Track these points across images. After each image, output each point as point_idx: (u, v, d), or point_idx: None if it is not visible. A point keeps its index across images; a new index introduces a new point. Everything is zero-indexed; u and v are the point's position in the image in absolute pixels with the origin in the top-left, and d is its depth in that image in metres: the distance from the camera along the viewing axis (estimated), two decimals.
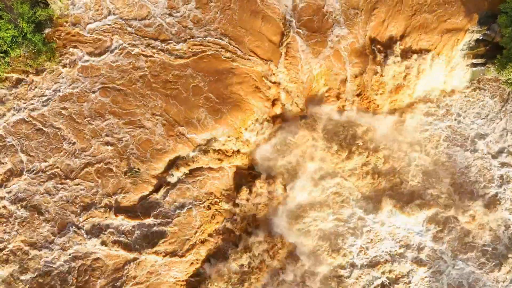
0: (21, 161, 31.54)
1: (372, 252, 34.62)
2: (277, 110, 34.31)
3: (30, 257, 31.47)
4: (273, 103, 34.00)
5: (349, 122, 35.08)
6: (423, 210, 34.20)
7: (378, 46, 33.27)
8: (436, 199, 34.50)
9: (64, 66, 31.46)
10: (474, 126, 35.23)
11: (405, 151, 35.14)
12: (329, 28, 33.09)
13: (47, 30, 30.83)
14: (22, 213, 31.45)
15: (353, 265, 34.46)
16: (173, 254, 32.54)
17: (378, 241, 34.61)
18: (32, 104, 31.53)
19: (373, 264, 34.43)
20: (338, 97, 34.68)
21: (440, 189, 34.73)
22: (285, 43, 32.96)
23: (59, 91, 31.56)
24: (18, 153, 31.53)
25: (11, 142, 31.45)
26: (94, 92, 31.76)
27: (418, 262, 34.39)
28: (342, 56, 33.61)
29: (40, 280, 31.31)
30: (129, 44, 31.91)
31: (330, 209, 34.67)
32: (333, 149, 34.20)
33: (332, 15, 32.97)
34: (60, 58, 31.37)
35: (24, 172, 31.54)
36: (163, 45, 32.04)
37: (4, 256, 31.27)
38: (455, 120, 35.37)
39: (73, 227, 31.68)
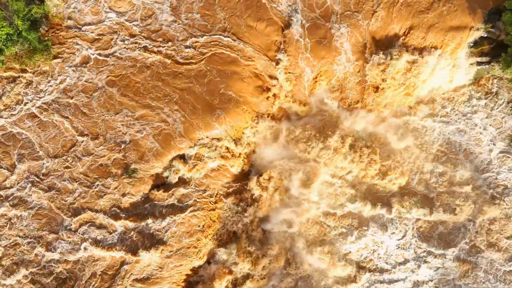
0: (32, 157, 31.55)
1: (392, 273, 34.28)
2: (279, 109, 34.04)
3: (42, 257, 31.72)
4: (275, 101, 33.66)
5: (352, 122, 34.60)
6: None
7: (382, 48, 32.83)
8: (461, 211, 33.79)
9: (63, 60, 31.15)
10: (487, 127, 34.33)
11: (419, 159, 34.53)
12: (336, 56, 32.84)
13: (42, 28, 30.46)
14: (30, 212, 31.61)
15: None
16: (173, 253, 32.36)
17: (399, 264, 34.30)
18: (38, 97, 31.35)
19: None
20: (340, 96, 34.23)
21: (464, 200, 33.89)
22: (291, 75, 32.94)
23: (66, 83, 31.41)
24: (28, 147, 31.52)
25: (21, 134, 31.38)
26: (101, 84, 31.60)
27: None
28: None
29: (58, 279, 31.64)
30: (133, 44, 31.59)
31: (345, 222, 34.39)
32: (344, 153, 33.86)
33: (339, 41, 32.42)
34: (60, 52, 31.11)
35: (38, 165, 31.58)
36: (169, 45, 31.76)
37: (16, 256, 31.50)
38: (465, 122, 34.54)
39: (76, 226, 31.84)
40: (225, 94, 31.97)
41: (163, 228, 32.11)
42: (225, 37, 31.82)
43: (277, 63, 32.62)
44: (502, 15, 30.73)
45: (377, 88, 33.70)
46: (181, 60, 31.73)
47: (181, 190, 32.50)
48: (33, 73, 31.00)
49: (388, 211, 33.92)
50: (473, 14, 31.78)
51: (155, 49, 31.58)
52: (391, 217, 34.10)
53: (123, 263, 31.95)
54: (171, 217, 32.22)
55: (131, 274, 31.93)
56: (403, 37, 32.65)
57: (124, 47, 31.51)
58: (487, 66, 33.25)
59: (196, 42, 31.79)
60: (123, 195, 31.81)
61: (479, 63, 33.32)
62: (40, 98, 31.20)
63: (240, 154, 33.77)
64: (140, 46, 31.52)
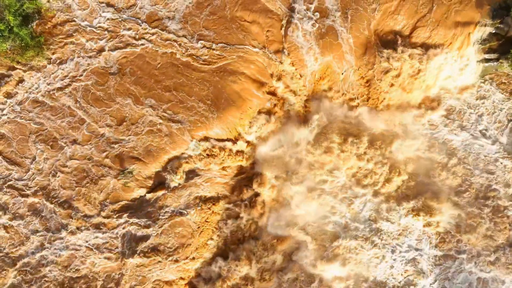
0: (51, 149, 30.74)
1: None
2: (280, 106, 33.19)
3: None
4: (276, 99, 32.87)
5: (356, 122, 33.56)
6: None
7: (386, 46, 31.99)
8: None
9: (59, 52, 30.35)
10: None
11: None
12: (339, 54, 32.23)
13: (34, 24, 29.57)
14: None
15: None
16: (170, 256, 31.66)
17: None
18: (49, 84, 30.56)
19: None
20: (343, 93, 33.35)
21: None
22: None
23: (72, 73, 30.66)
24: (45, 137, 30.60)
25: (34, 124, 30.52)
26: (113, 73, 30.80)
27: None
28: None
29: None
30: (141, 37, 30.76)
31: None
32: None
33: (342, 38, 31.58)
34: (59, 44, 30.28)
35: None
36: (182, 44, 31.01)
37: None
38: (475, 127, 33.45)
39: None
40: (227, 92, 31.17)
41: (158, 229, 31.39)
42: (233, 44, 31.09)
43: (281, 62, 31.77)
44: (511, 11, 30.02)
45: (382, 87, 32.85)
46: (192, 60, 31.09)
47: (178, 190, 31.75)
48: (27, 67, 30.11)
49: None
50: (481, 9, 31.03)
51: (165, 46, 30.90)
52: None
53: (116, 268, 31.14)
54: (167, 219, 31.50)
55: (127, 280, 31.18)
56: (408, 34, 31.84)
57: (130, 41, 30.74)
58: (495, 63, 32.40)
59: (209, 47, 31.21)
60: (119, 195, 31.09)
61: (487, 60, 32.50)
62: (48, 87, 30.48)
63: (240, 152, 32.98)
64: (148, 39, 30.89)
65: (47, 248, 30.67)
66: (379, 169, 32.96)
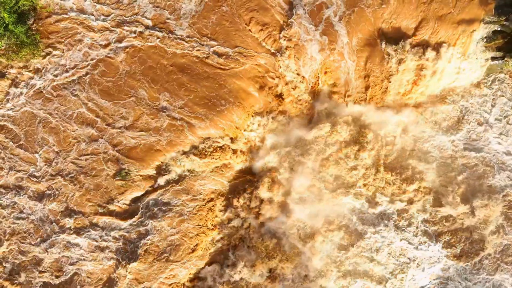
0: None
1: None
2: (282, 105, 32.76)
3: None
4: (278, 98, 32.50)
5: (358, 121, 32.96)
6: None
7: (390, 43, 31.49)
8: None
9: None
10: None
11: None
12: (340, 51, 31.82)
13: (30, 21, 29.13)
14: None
15: None
16: (167, 255, 31.35)
17: None
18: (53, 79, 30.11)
19: None
20: (345, 92, 32.89)
21: None
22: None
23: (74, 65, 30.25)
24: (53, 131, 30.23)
25: (44, 117, 30.16)
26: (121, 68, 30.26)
27: None
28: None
29: None
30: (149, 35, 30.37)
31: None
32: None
33: (342, 36, 31.18)
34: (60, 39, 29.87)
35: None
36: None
37: None
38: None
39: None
40: (233, 91, 30.93)
41: (154, 232, 31.04)
42: (241, 47, 30.89)
43: (281, 59, 31.40)
44: None
45: (383, 85, 32.43)
46: (198, 60, 30.78)
47: (176, 191, 31.40)
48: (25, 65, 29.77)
49: None
50: (485, 6, 30.64)
51: (173, 45, 30.56)
52: None
53: (113, 273, 30.87)
54: (163, 220, 31.11)
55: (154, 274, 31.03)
56: (412, 32, 31.38)
57: (134, 41, 30.34)
58: (500, 61, 31.91)
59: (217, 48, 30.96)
60: (114, 197, 30.79)
61: (492, 59, 32.00)
62: (53, 81, 30.11)
63: (242, 152, 32.74)
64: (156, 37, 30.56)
65: (63, 241, 30.56)
66: (400, 181, 32.51)
